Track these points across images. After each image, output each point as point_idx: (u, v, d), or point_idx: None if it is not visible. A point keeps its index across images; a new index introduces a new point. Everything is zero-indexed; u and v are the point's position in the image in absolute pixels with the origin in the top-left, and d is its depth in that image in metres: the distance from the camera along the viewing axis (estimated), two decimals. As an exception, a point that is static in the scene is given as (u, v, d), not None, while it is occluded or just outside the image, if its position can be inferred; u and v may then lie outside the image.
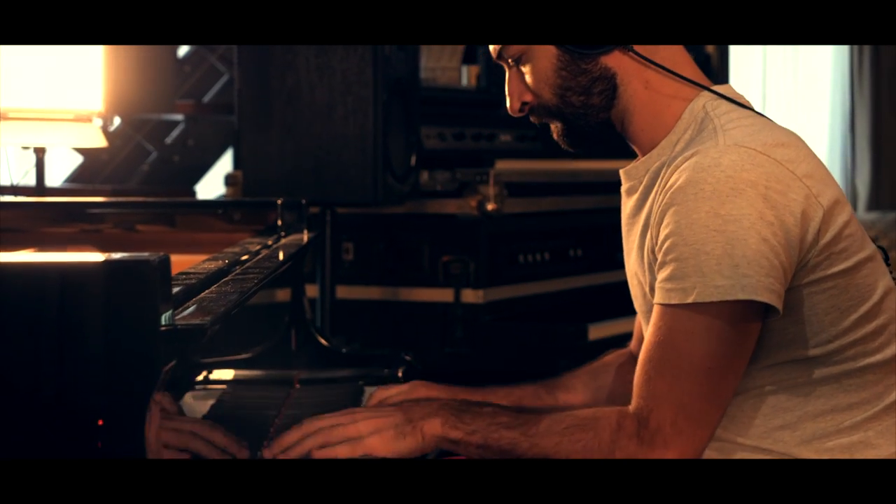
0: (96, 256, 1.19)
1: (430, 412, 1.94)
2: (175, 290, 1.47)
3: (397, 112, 3.34)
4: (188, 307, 1.38)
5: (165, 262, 1.21)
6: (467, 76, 4.12)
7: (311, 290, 3.29)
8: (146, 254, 1.21)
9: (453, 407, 1.95)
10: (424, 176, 3.55)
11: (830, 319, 1.85)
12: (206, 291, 1.57)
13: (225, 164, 4.28)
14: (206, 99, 4.20)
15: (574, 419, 1.87)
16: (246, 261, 2.04)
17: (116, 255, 1.20)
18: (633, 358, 2.32)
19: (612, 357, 2.34)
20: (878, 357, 1.88)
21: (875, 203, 6.70)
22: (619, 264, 3.97)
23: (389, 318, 3.59)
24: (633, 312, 2.41)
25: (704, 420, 1.81)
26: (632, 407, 1.84)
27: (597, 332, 3.55)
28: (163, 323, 1.22)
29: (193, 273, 1.74)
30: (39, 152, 3.24)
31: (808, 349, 1.85)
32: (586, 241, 3.95)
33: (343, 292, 3.52)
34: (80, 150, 4.14)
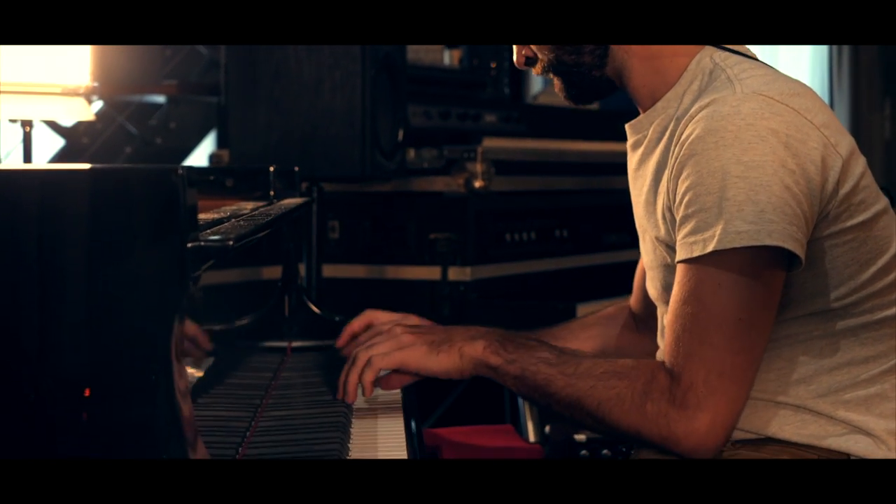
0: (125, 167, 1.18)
1: (475, 335, 1.95)
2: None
3: (385, 88, 3.33)
4: (212, 230, 1.37)
5: (191, 174, 1.20)
6: (449, 59, 4.12)
7: (298, 270, 3.28)
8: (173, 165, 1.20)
9: (499, 334, 1.96)
10: (411, 153, 3.54)
11: (850, 272, 1.84)
12: (224, 224, 1.56)
13: (207, 146, 4.26)
14: (191, 80, 4.18)
15: (613, 365, 1.85)
16: (245, 213, 2.03)
17: (144, 166, 1.19)
18: (631, 314, 2.32)
19: (610, 311, 2.34)
20: (895, 310, 1.88)
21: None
22: (606, 247, 4.01)
23: (376, 297, 3.58)
24: (620, 294, 2.42)
25: (738, 376, 1.77)
26: (666, 365, 1.81)
27: (585, 310, 3.52)
28: (189, 238, 1.20)
29: (202, 218, 1.73)
30: (27, 126, 3.21)
31: (828, 302, 1.85)
32: (573, 223, 3.95)
33: (329, 271, 3.50)
34: (61, 133, 4.11)
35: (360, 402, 2.03)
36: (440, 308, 3.49)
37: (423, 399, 2.21)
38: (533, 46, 2.02)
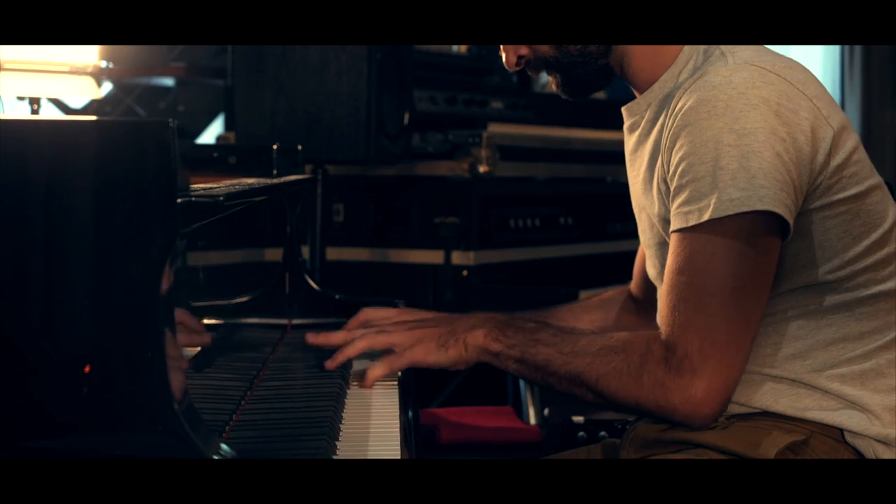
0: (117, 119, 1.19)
1: (476, 324, 1.97)
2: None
3: (391, 72, 3.34)
4: (198, 192, 1.38)
5: (180, 129, 1.21)
6: (457, 45, 4.12)
7: (302, 251, 3.28)
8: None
9: (499, 320, 1.98)
10: (416, 138, 3.55)
11: (843, 245, 1.85)
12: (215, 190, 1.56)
13: (216, 130, 4.27)
14: (200, 64, 4.18)
15: (609, 340, 1.88)
16: (243, 185, 2.04)
17: (137, 119, 1.20)
18: (631, 298, 2.33)
19: (611, 293, 2.35)
20: (891, 284, 1.88)
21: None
22: (611, 235, 4.01)
23: (379, 280, 3.59)
24: (623, 282, 2.42)
25: (733, 344, 1.78)
26: (661, 335, 1.83)
27: (588, 297, 3.53)
28: (179, 190, 1.21)
29: (192, 190, 1.74)
30: (35, 103, 3.24)
31: (820, 275, 1.85)
32: (577, 210, 3.95)
33: (333, 254, 3.51)
34: (68, 113, 4.13)
35: (356, 376, 2.04)
36: (443, 292, 3.50)
37: (428, 382, 2.22)
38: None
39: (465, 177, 3.53)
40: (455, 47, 3.99)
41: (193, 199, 1.24)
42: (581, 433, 2.61)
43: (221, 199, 1.25)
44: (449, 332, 1.97)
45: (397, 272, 3.58)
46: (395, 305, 2.63)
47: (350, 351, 1.99)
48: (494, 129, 3.65)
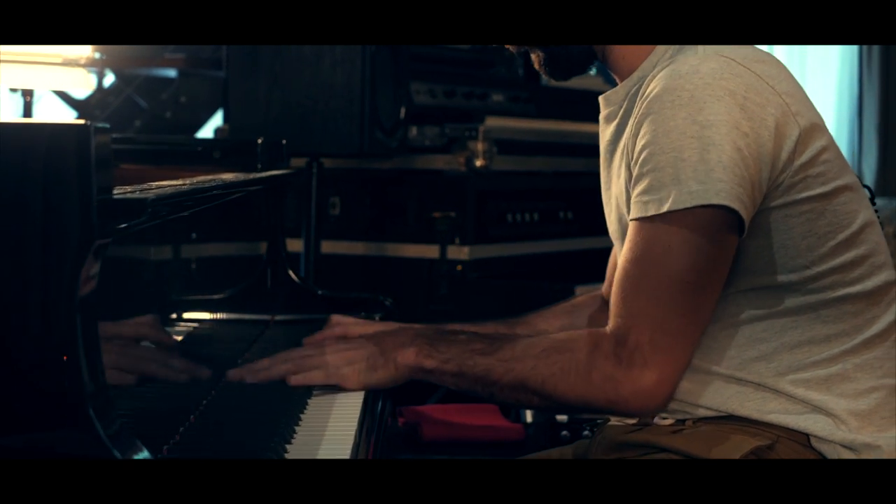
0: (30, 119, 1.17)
1: (405, 342, 1.92)
2: (132, 190, 1.46)
3: (386, 65, 3.32)
4: (134, 192, 1.36)
5: (104, 130, 1.19)
6: (459, 41, 4.10)
7: (297, 245, 3.28)
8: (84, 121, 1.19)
9: (427, 336, 1.94)
10: (413, 131, 3.53)
11: (807, 244, 1.82)
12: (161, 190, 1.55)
13: (217, 121, 4.26)
14: (201, 55, 4.18)
15: (550, 342, 1.85)
16: (211, 181, 2.02)
17: (53, 118, 1.18)
18: (602, 302, 2.30)
19: (582, 299, 2.32)
20: (858, 288, 1.85)
21: (882, 189, 6.66)
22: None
23: (374, 274, 3.57)
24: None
25: (683, 337, 1.78)
26: (609, 327, 1.80)
27: (584, 292, 3.51)
28: (99, 192, 1.19)
29: (156, 184, 1.72)
30: (27, 95, 3.23)
31: (782, 274, 1.83)
32: (577, 204, 3.92)
33: (328, 247, 3.50)
34: (72, 105, 4.13)
35: None
36: (438, 287, 3.48)
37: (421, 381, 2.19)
38: None
39: (462, 171, 3.51)
40: (456, 40, 3.97)
41: (116, 197, 1.22)
42: (564, 432, 2.58)
43: (147, 199, 1.23)
44: (378, 352, 1.92)
45: (393, 266, 3.56)
46: (380, 302, 2.62)
47: (273, 373, 1.94)
48: (492, 122, 3.62)
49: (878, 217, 1.94)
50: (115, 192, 1.27)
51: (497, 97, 3.84)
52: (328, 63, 3.23)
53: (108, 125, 1.20)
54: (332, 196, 3.59)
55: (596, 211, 3.93)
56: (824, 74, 6.66)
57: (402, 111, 3.38)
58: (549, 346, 1.84)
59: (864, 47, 6.57)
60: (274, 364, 1.96)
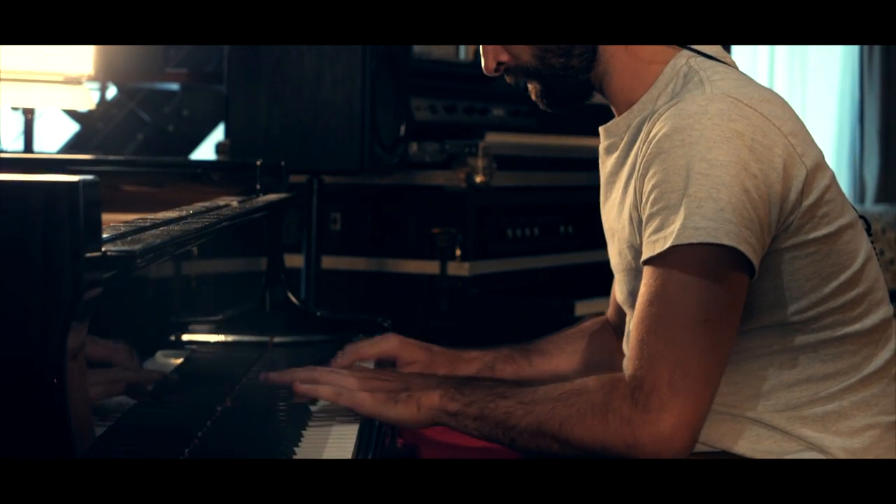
0: (17, 176, 1.19)
1: (431, 384, 1.91)
2: (123, 229, 1.47)
3: (386, 82, 3.33)
4: (125, 240, 1.37)
5: (91, 185, 1.20)
6: (465, 49, 4.10)
7: (297, 260, 3.29)
8: (74, 176, 1.20)
9: (455, 380, 1.93)
10: (413, 147, 3.54)
11: (811, 285, 1.82)
12: (154, 230, 1.56)
13: (219, 135, 4.28)
14: (204, 69, 4.20)
15: (570, 386, 1.83)
16: (207, 211, 2.03)
17: (40, 176, 1.19)
18: (610, 326, 2.30)
19: (589, 324, 2.32)
20: (857, 326, 1.85)
21: (883, 195, 6.66)
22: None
23: (375, 290, 3.59)
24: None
25: (704, 377, 1.74)
26: (627, 371, 1.77)
27: (584, 308, 3.53)
28: (88, 248, 1.21)
29: (150, 218, 1.73)
30: (28, 113, 3.24)
31: (787, 315, 1.82)
32: (578, 219, 3.93)
33: (329, 263, 3.51)
34: (75, 118, 4.14)
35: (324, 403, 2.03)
36: (438, 302, 3.49)
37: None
38: (514, 50, 1.98)
39: (462, 187, 3.52)
40: (462, 54, 3.98)
41: (107, 253, 1.23)
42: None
43: (136, 252, 1.24)
44: (402, 387, 1.92)
45: (393, 282, 3.57)
46: (376, 323, 2.63)
47: (293, 376, 1.95)
48: (492, 138, 3.63)
49: (873, 244, 1.95)
50: (104, 236, 1.28)
51: (498, 111, 3.85)
52: (328, 81, 3.24)
53: (96, 179, 1.21)
54: (332, 211, 3.61)
55: (596, 225, 3.97)
56: (826, 76, 6.66)
57: (402, 128, 3.39)
58: (568, 390, 1.81)
59: (865, 48, 6.56)
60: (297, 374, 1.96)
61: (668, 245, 1.73)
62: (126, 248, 1.27)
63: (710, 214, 1.72)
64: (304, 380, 1.93)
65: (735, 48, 5.34)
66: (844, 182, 6.60)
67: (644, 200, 1.80)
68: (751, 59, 6.34)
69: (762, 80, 6.39)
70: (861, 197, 6.65)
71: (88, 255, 1.21)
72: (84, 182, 1.19)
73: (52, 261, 1.19)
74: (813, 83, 6.63)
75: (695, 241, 1.72)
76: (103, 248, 1.25)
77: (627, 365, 1.79)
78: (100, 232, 1.24)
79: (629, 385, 1.76)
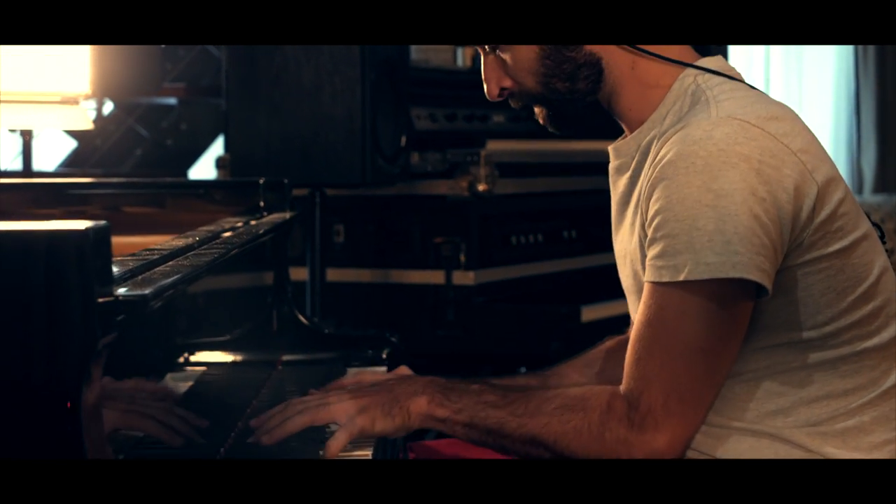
0: (28, 225, 1.17)
1: (416, 390, 1.91)
2: (132, 265, 1.46)
3: (386, 92, 3.31)
4: (136, 280, 1.36)
5: (102, 231, 1.19)
6: (462, 57, 4.09)
7: (302, 273, 3.27)
8: (84, 223, 1.18)
9: (439, 384, 1.92)
10: (415, 157, 3.52)
11: (826, 301, 1.81)
12: (163, 266, 1.54)
13: (218, 148, 4.26)
14: (202, 83, 4.18)
15: (564, 399, 1.84)
16: (214, 237, 2.01)
17: (50, 224, 1.17)
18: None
19: (611, 344, 2.30)
20: (875, 341, 1.84)
21: (881, 185, 6.65)
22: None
23: (380, 301, 3.57)
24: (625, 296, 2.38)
25: (696, 402, 1.78)
26: (622, 388, 1.80)
27: (590, 313, 3.52)
28: (100, 294, 1.19)
29: (157, 249, 1.71)
30: (26, 135, 3.23)
31: (803, 331, 1.81)
32: (581, 223, 3.92)
33: (334, 275, 3.50)
34: (73, 135, 4.13)
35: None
36: (444, 312, 3.48)
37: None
38: (518, 76, 1.95)
39: (465, 196, 3.50)
40: (459, 62, 3.96)
41: (120, 298, 1.21)
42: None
43: (148, 296, 1.22)
44: (391, 399, 1.91)
45: (398, 293, 3.56)
46: (384, 338, 2.61)
47: (289, 428, 1.92)
48: (493, 146, 3.62)
49: (888, 252, 1.93)
50: (115, 273, 1.27)
51: (498, 118, 3.83)
52: (328, 94, 3.23)
53: (107, 224, 1.20)
54: (336, 223, 3.60)
55: (600, 228, 3.96)
56: (821, 73, 6.65)
57: (403, 139, 3.37)
58: (562, 404, 1.83)
59: (860, 47, 6.55)
60: (289, 417, 1.93)
61: (678, 279, 1.74)
62: (138, 291, 1.25)
63: (718, 248, 1.72)
64: (298, 426, 1.91)
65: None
66: (842, 172, 6.59)
67: (648, 221, 1.79)
68: (747, 48, 6.32)
69: (758, 69, 6.41)
70: (859, 187, 6.64)
71: (101, 300, 1.19)
72: (94, 230, 1.18)
73: (64, 310, 1.17)
74: (809, 72, 6.62)
75: (705, 277, 1.72)
76: (115, 293, 1.23)
77: (623, 380, 1.81)
78: (111, 276, 1.22)
79: (624, 403, 1.79)
